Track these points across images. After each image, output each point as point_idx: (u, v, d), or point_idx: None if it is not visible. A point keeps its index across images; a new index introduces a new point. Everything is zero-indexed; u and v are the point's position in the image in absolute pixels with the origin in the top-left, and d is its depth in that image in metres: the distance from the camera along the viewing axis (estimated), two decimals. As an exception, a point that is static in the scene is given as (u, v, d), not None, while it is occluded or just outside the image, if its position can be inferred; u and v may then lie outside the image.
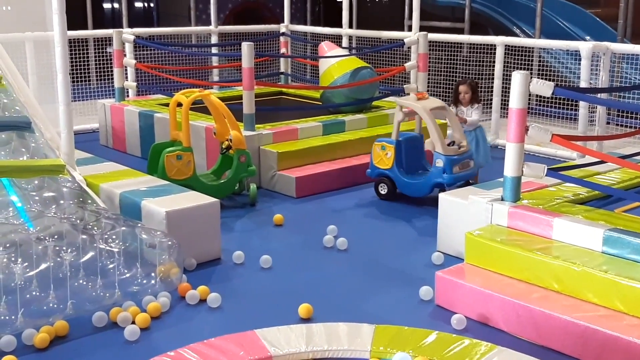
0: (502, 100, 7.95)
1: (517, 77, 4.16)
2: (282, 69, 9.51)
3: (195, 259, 4.54)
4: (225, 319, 3.89)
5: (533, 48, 8.77)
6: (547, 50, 9.61)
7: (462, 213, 4.56)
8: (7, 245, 3.81)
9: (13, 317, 3.55)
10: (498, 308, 3.75)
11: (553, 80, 4.24)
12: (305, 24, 12.44)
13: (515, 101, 4.18)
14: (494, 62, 8.15)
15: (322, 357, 3.01)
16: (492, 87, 8.18)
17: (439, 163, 5.59)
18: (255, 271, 4.53)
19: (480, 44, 8.79)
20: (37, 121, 5.02)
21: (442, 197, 4.79)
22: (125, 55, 8.07)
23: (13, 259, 3.70)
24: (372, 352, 3.01)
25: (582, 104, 7.02)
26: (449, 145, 5.71)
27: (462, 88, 6.13)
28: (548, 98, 8.00)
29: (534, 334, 3.60)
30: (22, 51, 7.79)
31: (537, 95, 8.00)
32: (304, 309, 3.88)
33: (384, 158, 5.91)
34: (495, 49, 8.10)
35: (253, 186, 5.93)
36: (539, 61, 9.40)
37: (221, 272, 4.53)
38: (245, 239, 5.12)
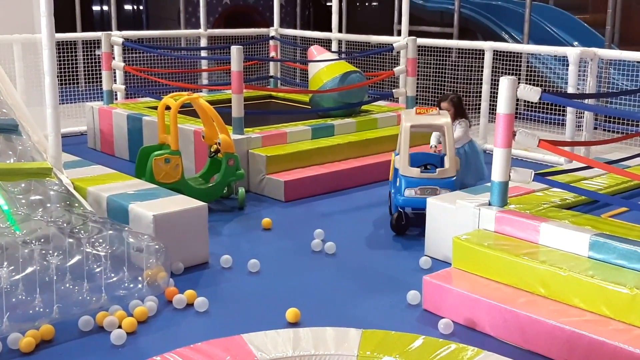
0: (490, 105, 7.98)
1: (505, 82, 4.18)
2: (271, 73, 9.52)
3: (182, 262, 4.53)
4: (213, 324, 3.88)
5: (521, 53, 8.81)
6: (535, 56, 9.66)
7: (450, 218, 4.58)
8: (-7, 248, 3.79)
9: (-2, 321, 3.53)
10: (485, 312, 3.76)
11: (541, 86, 4.25)
12: (295, 27, 12.44)
13: (503, 106, 4.20)
14: (482, 67, 8.18)
15: (309, 361, 3.01)
16: (480, 92, 8.22)
17: (398, 182, 5.19)
18: (243, 275, 4.53)
19: (469, 49, 8.83)
20: (25, 124, 4.99)
21: (430, 201, 4.80)
22: (114, 58, 8.04)
23: (-1, 262, 3.67)
24: (359, 357, 3.00)
25: (569, 109, 7.06)
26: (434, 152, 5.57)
27: (443, 105, 5.64)
28: (536, 103, 8.09)
29: (520, 338, 3.61)
30: (9, 53, 7.74)
31: (525, 100, 8.05)
32: (291, 313, 3.88)
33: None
34: (483, 54, 8.13)
35: (242, 190, 5.92)
36: (527, 66, 9.44)
37: (209, 276, 4.51)
38: (234, 243, 5.11)
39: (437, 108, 5.41)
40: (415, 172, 5.10)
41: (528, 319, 3.57)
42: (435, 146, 5.62)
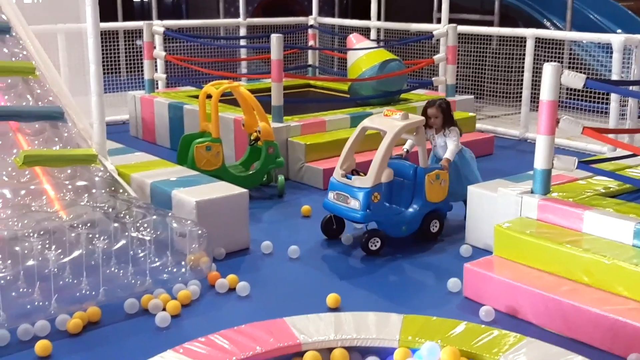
0: (532, 93, 7.88)
1: (549, 68, 4.14)
2: (310, 62, 9.53)
3: (224, 248, 4.59)
4: (254, 308, 3.93)
5: (564, 41, 8.67)
6: (577, 43, 9.50)
7: (491, 206, 4.55)
8: (41, 232, 3.88)
9: (47, 302, 3.62)
10: (527, 300, 3.74)
11: (584, 74, 4.19)
12: (333, 16, 12.41)
13: (547, 93, 4.15)
14: (523, 55, 8.08)
15: (350, 345, 3.03)
16: (521, 80, 8.13)
17: None
18: (284, 261, 4.57)
19: (510, 37, 8.72)
20: (70, 111, 5.09)
21: (471, 189, 4.77)
22: (155, 47, 8.13)
23: (47, 246, 3.76)
24: (400, 341, 3.02)
25: (613, 97, 6.94)
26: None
27: (430, 112, 5.02)
28: (579, 91, 7.98)
29: (562, 326, 3.58)
30: (54, 43, 7.89)
31: (567, 89, 7.94)
32: (332, 298, 3.91)
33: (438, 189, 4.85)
34: (525, 42, 8.03)
35: (281, 177, 5.96)
36: (570, 54, 9.29)
37: (250, 261, 4.56)
38: (273, 230, 5.15)
39: (402, 113, 4.72)
40: (338, 175, 4.73)
41: (571, 307, 3.54)
42: (407, 151, 5.10)
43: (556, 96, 4.16)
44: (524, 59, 8.08)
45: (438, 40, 8.15)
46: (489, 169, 6.65)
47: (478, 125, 7.94)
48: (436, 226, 4.86)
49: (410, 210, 4.74)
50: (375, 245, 4.61)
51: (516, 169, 5.84)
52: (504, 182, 4.72)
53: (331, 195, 4.74)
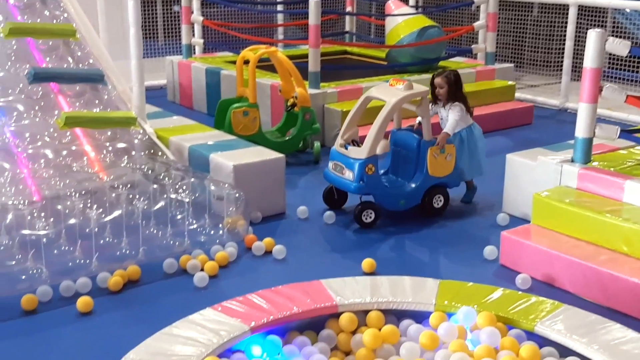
0: (573, 62, 7.73)
1: (593, 35, 4.05)
2: (347, 28, 9.44)
3: (260, 212, 4.62)
4: (290, 270, 3.96)
5: (607, 9, 8.46)
6: (621, 12, 9.25)
7: (530, 174, 4.50)
8: (83, 192, 3.96)
9: (88, 260, 3.70)
10: (564, 269, 3.71)
11: (629, 41, 4.10)
12: (371, -17, 12.27)
13: (590, 60, 4.07)
14: (565, 23, 7.91)
15: (386, 308, 3.05)
16: (561, 49, 7.97)
17: None
18: (320, 226, 4.59)
19: (552, 5, 8.53)
20: (110, 74, 5.13)
21: (510, 157, 4.72)
22: (192, 12, 8.14)
23: (88, 205, 3.83)
24: (436, 306, 3.03)
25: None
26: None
27: (436, 81, 4.78)
28: (620, 61, 7.80)
29: (600, 295, 3.56)
30: (93, 7, 7.93)
31: (609, 59, 7.77)
32: (367, 263, 3.92)
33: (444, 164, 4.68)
34: (567, 10, 7.86)
35: (317, 144, 5.95)
36: (613, 23, 9.07)
37: (286, 226, 4.59)
38: (309, 195, 5.16)
39: (406, 82, 4.56)
40: (337, 145, 4.63)
41: (610, 276, 3.51)
42: (420, 123, 4.77)
43: (600, 63, 4.08)
44: (565, 27, 7.92)
45: (478, 7, 8.01)
46: (527, 138, 6.59)
47: (517, 95, 7.82)
48: (440, 201, 4.69)
49: (411, 184, 4.60)
50: (370, 218, 4.48)
51: (555, 138, 5.75)
52: (543, 150, 4.66)
53: (330, 165, 4.65)
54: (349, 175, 4.47)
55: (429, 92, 4.66)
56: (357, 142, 4.61)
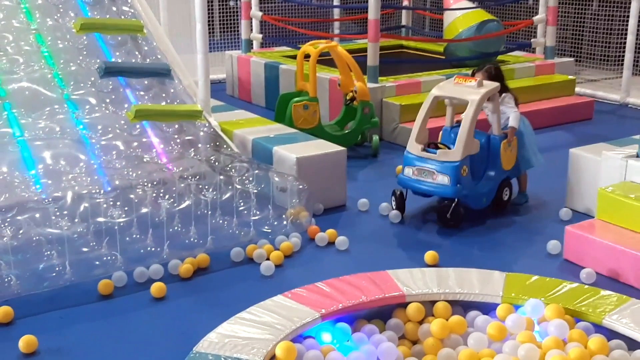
0: (635, 57, 7.60)
1: (662, 28, 4.00)
2: (403, 22, 9.45)
3: (322, 204, 4.70)
4: (353, 261, 4.03)
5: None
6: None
7: (594, 169, 4.47)
8: (154, 182, 4.10)
9: (159, 248, 3.83)
10: (630, 264, 3.69)
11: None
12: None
13: (658, 54, 4.03)
14: (625, 17, 7.78)
15: (453, 299, 3.09)
16: (622, 43, 7.83)
17: None
18: (381, 218, 4.64)
19: (613, -2, 8.40)
20: (176, 68, 5.27)
21: (574, 152, 4.70)
22: (251, 7, 8.26)
23: (161, 195, 3.97)
24: (503, 298, 3.06)
25: None
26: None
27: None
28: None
29: (668, 291, 3.53)
30: (155, 3, 8.11)
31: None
32: (430, 255, 3.96)
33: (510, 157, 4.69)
34: (627, 3, 7.73)
35: (375, 137, 6.00)
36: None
37: (347, 217, 4.66)
38: (369, 188, 5.22)
39: (477, 79, 4.50)
40: (417, 149, 4.46)
41: (677, 272, 3.49)
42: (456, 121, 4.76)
43: (669, 57, 4.03)
44: (625, 21, 7.78)
45: (536, 1, 7.93)
46: (588, 133, 6.52)
47: (577, 89, 7.73)
48: (507, 194, 4.70)
49: (489, 180, 4.57)
50: (458, 219, 4.42)
51: (616, 134, 5.70)
52: (606, 145, 4.62)
53: (409, 171, 4.48)
54: (443, 179, 4.34)
55: (500, 87, 4.63)
56: (436, 143, 4.56)
